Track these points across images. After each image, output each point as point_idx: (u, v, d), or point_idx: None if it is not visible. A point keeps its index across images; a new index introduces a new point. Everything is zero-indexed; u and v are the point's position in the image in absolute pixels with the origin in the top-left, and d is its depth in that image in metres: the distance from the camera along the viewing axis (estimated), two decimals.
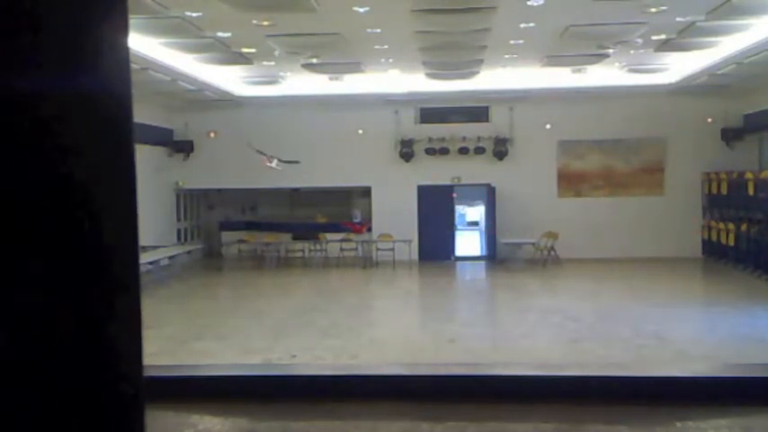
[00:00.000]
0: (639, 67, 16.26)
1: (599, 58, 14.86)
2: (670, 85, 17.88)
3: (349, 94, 18.70)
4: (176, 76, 15.16)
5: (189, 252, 19.76)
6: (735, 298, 13.94)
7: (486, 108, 19.94)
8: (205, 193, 21.70)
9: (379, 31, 12.22)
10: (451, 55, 14.20)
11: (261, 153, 17.76)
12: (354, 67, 15.66)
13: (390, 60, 15.32)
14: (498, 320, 13.40)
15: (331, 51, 13.85)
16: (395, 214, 19.65)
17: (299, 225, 20.83)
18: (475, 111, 19.96)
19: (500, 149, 19.70)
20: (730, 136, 19.13)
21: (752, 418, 1.49)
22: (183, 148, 20.24)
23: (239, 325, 12.04)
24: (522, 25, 12.02)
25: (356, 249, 19.39)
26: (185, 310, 13.59)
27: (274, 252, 19.85)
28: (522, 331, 11.36)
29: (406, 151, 19.86)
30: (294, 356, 9.69)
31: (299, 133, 19.87)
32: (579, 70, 16.68)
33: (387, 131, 19.94)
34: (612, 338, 10.70)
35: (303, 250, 19.81)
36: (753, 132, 18.57)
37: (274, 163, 17.96)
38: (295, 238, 20.21)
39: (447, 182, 19.97)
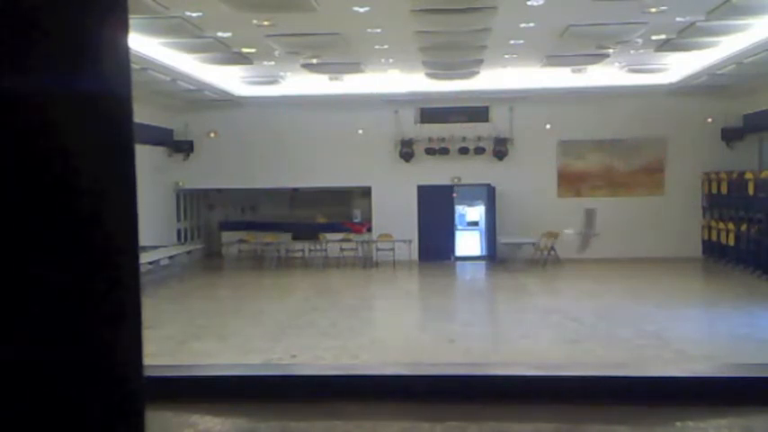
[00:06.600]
0: (639, 67, 16.26)
1: (599, 58, 14.86)
2: (670, 85, 17.89)
3: (349, 94, 18.70)
4: (176, 76, 15.17)
5: (189, 252, 19.76)
6: (735, 298, 13.94)
7: (486, 108, 19.94)
8: (205, 193, 21.70)
9: (379, 31, 12.22)
10: (451, 55, 14.20)
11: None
12: (354, 67, 15.66)
13: (390, 60, 15.31)
14: (498, 320, 13.41)
15: (331, 51, 13.85)
16: (395, 214, 19.65)
17: (299, 225, 20.83)
18: (475, 111, 19.95)
19: (500, 149, 19.71)
20: (730, 136, 19.13)
21: (752, 418, 1.49)
22: (183, 148, 20.24)
23: (239, 325, 12.04)
24: (522, 25, 12.02)
25: (356, 249, 19.39)
26: (185, 310, 13.58)
27: (274, 252, 19.84)
28: (522, 331, 11.36)
29: (406, 151, 19.86)
30: (294, 356, 9.69)
31: (299, 133, 19.88)
32: (579, 70, 16.68)
33: (387, 131, 19.93)
34: (612, 338, 10.70)
35: (303, 250, 19.80)
36: (753, 132, 18.56)
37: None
38: (295, 238, 20.21)
39: (447, 182, 19.97)
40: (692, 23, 11.84)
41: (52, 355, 0.71)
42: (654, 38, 13.12)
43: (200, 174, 20.17)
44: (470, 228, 23.62)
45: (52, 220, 0.71)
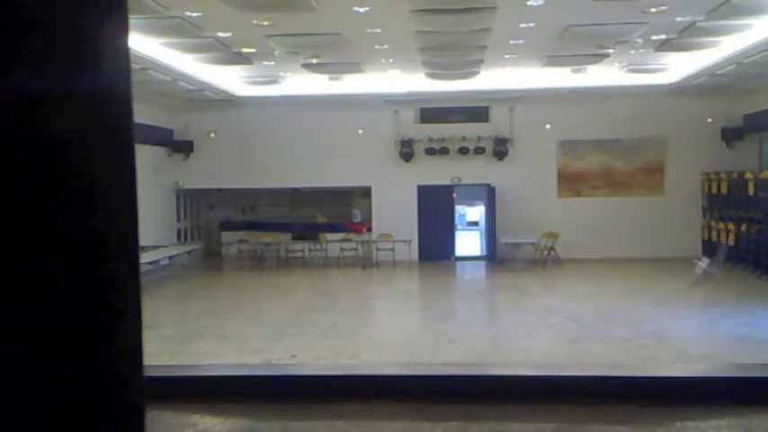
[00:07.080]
0: (639, 67, 16.26)
1: (599, 58, 14.86)
2: (670, 85, 17.88)
3: (349, 94, 18.70)
4: (176, 76, 15.16)
5: (189, 252, 19.75)
6: (735, 298, 13.94)
7: (486, 108, 19.95)
8: (205, 193, 21.70)
9: (379, 31, 12.21)
10: (451, 55, 14.19)
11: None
12: (354, 67, 15.66)
13: (390, 60, 15.31)
14: (498, 320, 13.40)
15: (331, 51, 13.85)
16: (395, 214, 19.65)
17: (299, 225, 20.83)
18: (475, 111, 19.96)
19: (500, 149, 19.71)
20: (730, 136, 19.13)
21: (752, 418, 1.49)
22: (183, 148, 20.25)
23: (239, 325, 12.04)
24: (522, 25, 12.02)
25: (356, 249, 19.39)
26: (185, 311, 13.58)
27: (274, 252, 19.84)
28: (522, 331, 11.36)
29: (406, 151, 19.87)
30: (294, 356, 9.69)
31: (299, 133, 19.88)
32: (579, 70, 16.68)
33: (387, 131, 19.94)
34: (612, 338, 10.70)
35: (303, 250, 19.81)
36: (753, 132, 18.57)
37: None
38: (295, 238, 20.21)
39: (447, 182, 19.98)
40: (692, 23, 11.83)
41: (52, 354, 0.71)
42: (654, 38, 13.12)
43: (201, 174, 20.18)
44: (470, 228, 23.63)
45: (52, 220, 0.71)
